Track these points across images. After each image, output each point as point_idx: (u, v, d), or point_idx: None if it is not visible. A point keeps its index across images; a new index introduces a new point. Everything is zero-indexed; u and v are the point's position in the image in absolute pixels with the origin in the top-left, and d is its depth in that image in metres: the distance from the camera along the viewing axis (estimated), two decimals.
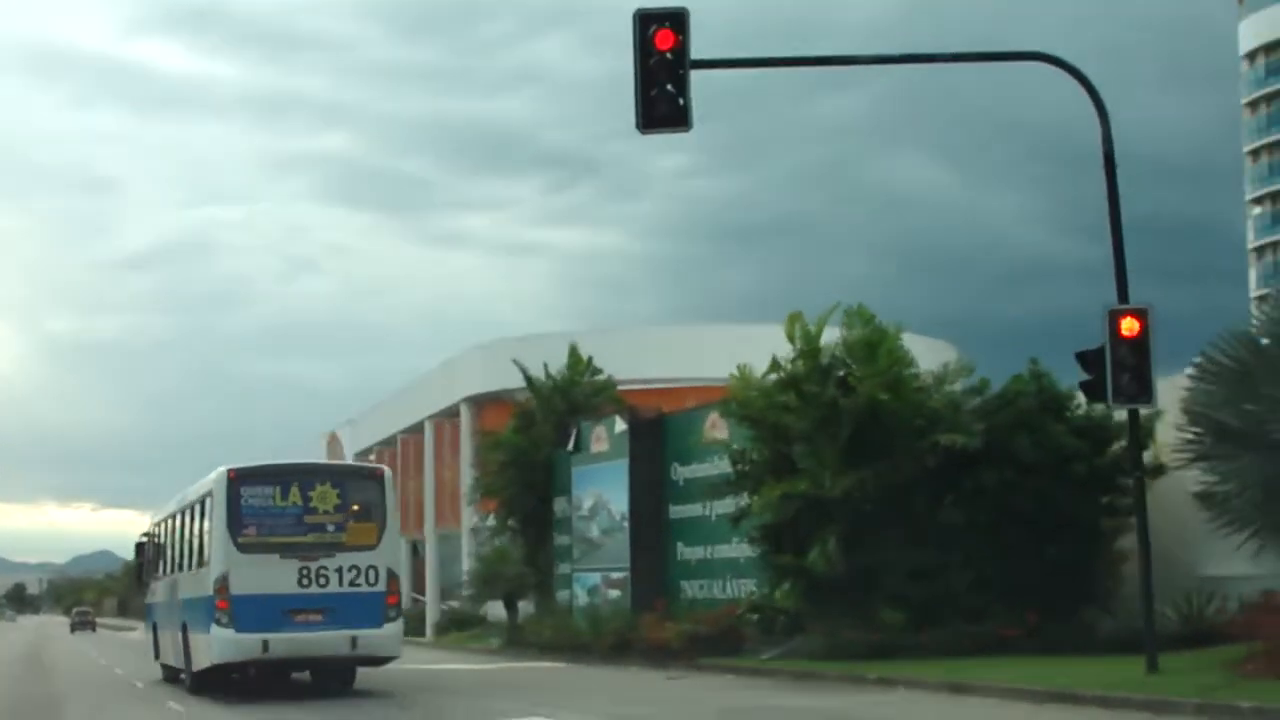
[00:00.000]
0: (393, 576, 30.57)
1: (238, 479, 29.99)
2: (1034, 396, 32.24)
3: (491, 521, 53.63)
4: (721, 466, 37.04)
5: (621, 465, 41.73)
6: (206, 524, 30.59)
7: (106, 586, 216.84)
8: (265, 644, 28.74)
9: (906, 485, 31.84)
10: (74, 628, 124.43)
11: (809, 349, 33.16)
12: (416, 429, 74.87)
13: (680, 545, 40.18)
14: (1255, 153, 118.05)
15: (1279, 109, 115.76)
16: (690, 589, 39.39)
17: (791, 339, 33.64)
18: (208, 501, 30.47)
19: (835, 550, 31.12)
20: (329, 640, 29.27)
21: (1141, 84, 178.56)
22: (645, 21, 22.47)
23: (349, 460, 77.29)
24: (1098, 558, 32.07)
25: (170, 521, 36.04)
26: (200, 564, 31.21)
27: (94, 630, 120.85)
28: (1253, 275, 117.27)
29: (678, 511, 40.42)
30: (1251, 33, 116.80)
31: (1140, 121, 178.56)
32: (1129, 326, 23.76)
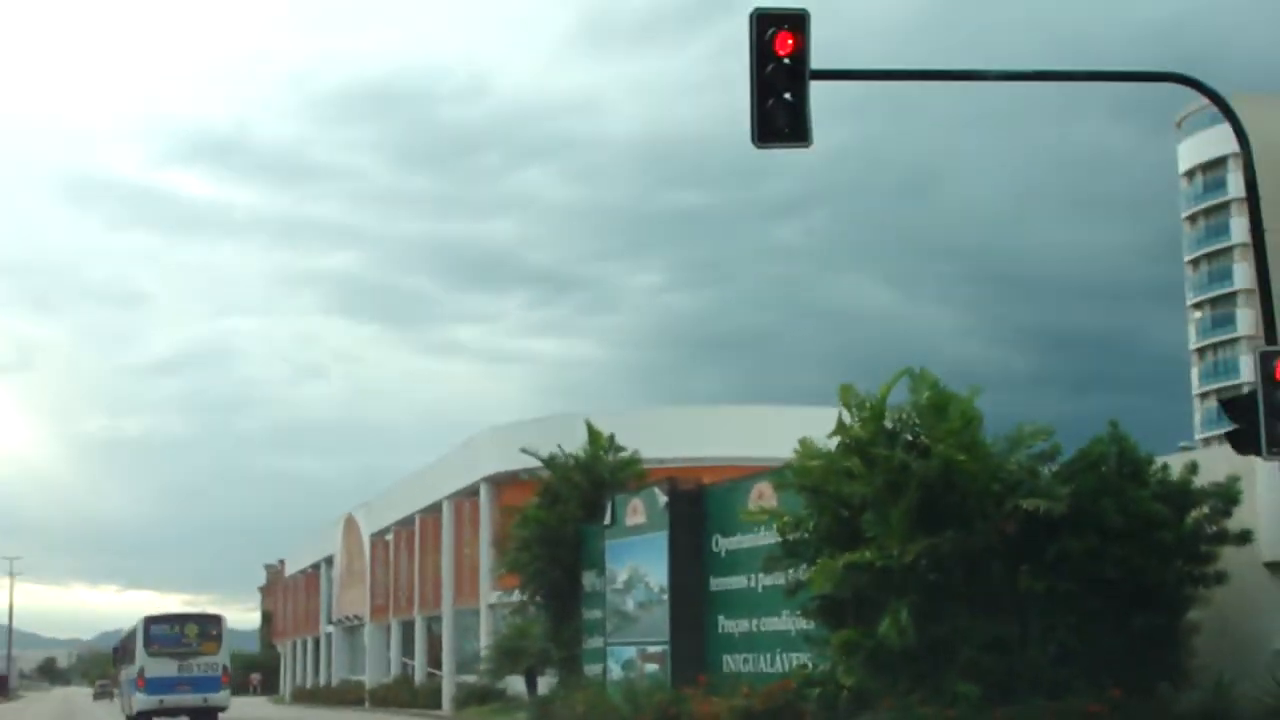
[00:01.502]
0: (225, 669, 54.65)
1: (149, 621, 54.98)
2: (1114, 460, 27.79)
3: (515, 596, 49.17)
4: (767, 538, 32.59)
5: (660, 538, 37.11)
6: (136, 642, 54.98)
7: None
8: (161, 701, 52.73)
9: (982, 553, 27.23)
10: (96, 696, 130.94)
11: (873, 413, 28.49)
12: (434, 509, 70.08)
13: (722, 618, 35.34)
14: (1195, 262, 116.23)
15: (1218, 222, 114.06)
16: (733, 663, 34.60)
17: (847, 406, 28.98)
18: (137, 631, 55.65)
19: (908, 621, 26.45)
20: (192, 699, 52.99)
21: (1052, 215, 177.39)
22: (763, 23, 18.05)
23: (365, 540, 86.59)
24: (1178, 630, 27.58)
25: (125, 640, 63.78)
26: (133, 661, 55.82)
27: (112, 699, 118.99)
28: (1194, 374, 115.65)
29: (719, 584, 35.65)
30: (1189, 154, 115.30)
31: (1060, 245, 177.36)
32: None
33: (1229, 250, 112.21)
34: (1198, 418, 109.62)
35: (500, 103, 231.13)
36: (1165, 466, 28.41)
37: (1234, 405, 19.67)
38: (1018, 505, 26.88)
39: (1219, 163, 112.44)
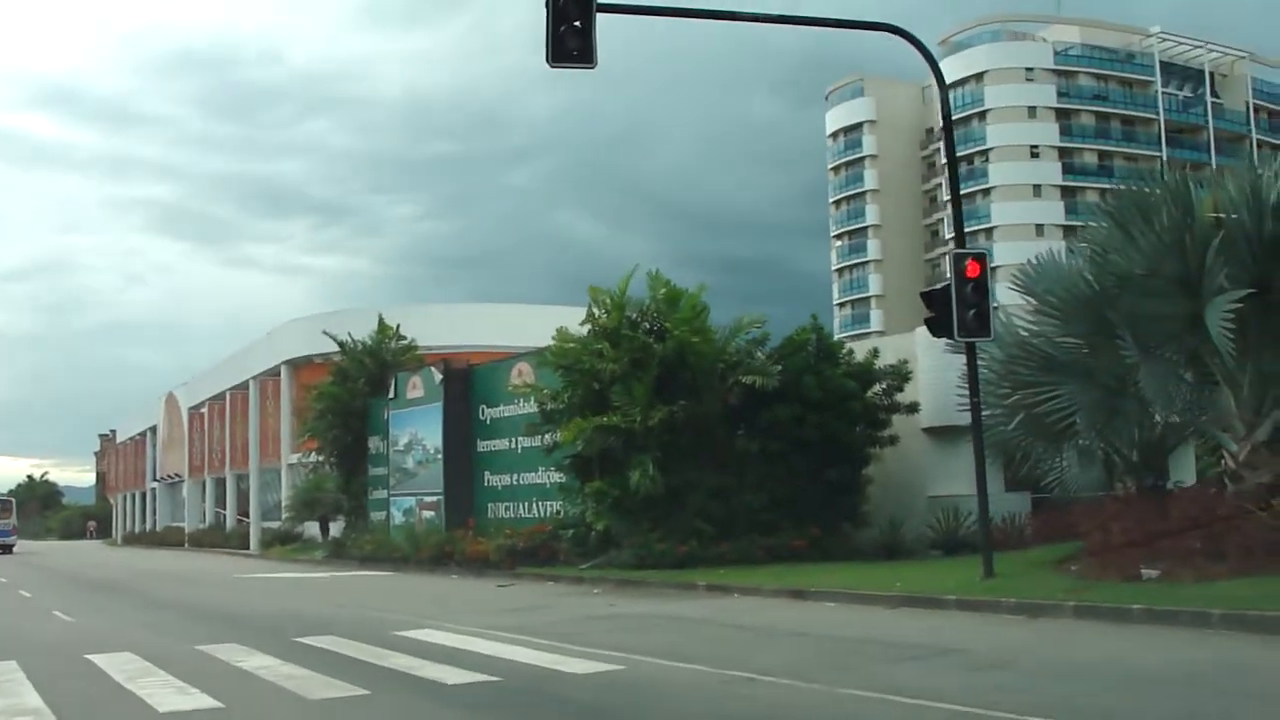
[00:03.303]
0: (14, 528, 70.73)
1: None
2: (815, 345, 26.84)
3: (313, 458, 46.76)
4: (526, 409, 31.17)
5: (435, 408, 35.19)
6: None
7: None
8: None
9: (708, 419, 26.07)
10: None
11: (616, 304, 26.98)
12: (243, 387, 66.61)
13: (487, 474, 33.64)
14: (837, 203, 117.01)
15: (854, 174, 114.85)
16: (497, 510, 32.91)
17: (596, 301, 27.44)
18: None
19: (655, 473, 25.12)
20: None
21: (728, 167, 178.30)
22: None
23: (184, 412, 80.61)
24: (859, 481, 26.87)
25: None
26: None
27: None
28: (835, 288, 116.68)
29: (485, 445, 33.90)
30: (833, 119, 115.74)
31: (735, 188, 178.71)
32: (972, 268, 18.01)
33: (863, 194, 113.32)
34: (837, 322, 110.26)
35: (292, 67, 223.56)
36: (851, 351, 27.68)
37: (931, 297, 18.42)
38: (739, 380, 25.87)
39: (857, 127, 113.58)
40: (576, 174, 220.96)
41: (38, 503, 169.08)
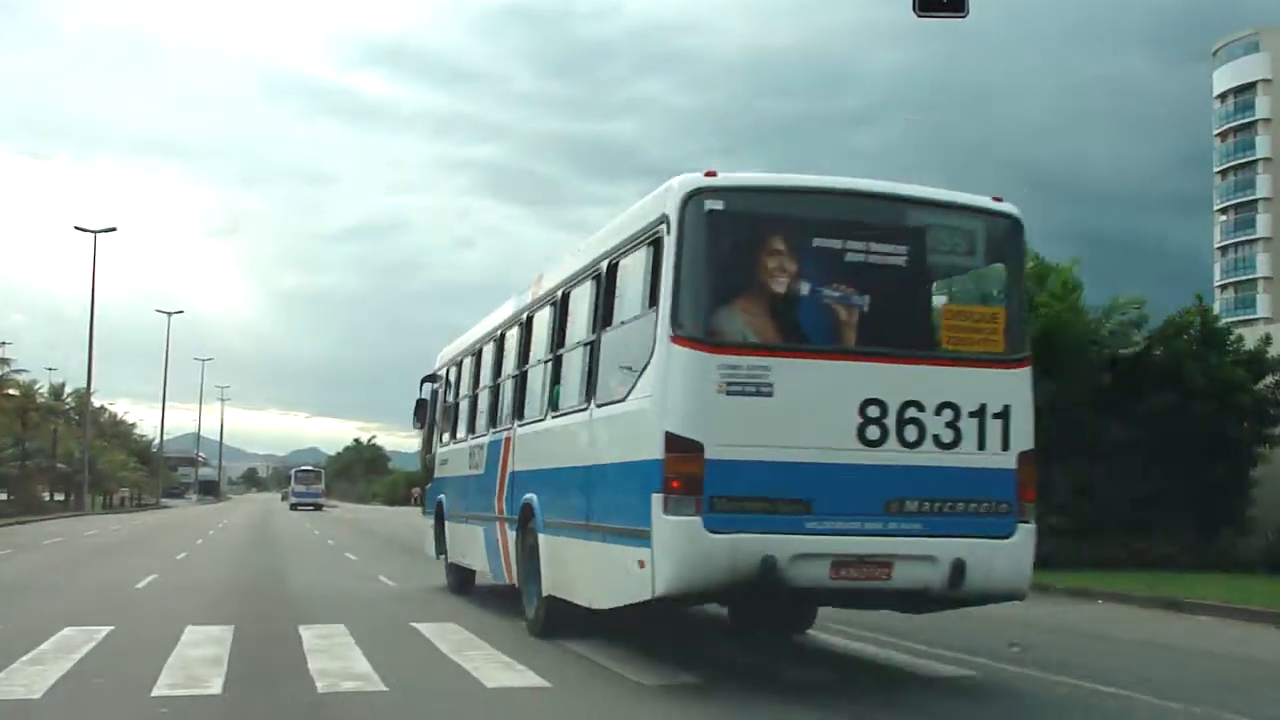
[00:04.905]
0: (323, 491, 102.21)
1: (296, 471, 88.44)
2: (1198, 329, 25.73)
3: None
4: None
5: None
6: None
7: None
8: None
9: (1076, 405, 25.04)
10: (293, 506, 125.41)
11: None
12: None
13: None
14: (1222, 173, 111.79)
15: (1243, 140, 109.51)
16: None
17: None
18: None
19: None
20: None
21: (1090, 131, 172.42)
22: None
23: None
24: (1243, 482, 25.53)
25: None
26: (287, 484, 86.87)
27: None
28: (1216, 269, 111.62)
29: None
30: (1221, 79, 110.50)
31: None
32: None
33: (1253, 163, 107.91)
34: (1217, 306, 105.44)
35: (628, 21, 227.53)
36: (1241, 337, 26.43)
37: None
38: (1115, 356, 24.98)
39: (1249, 88, 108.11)
40: (922, 136, 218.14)
41: (363, 466, 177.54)
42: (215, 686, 10.14)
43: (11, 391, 69.76)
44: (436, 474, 20.55)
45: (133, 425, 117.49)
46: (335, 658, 11.64)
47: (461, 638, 13.22)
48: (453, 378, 19.91)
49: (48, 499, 73.72)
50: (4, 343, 75.05)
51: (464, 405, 18.71)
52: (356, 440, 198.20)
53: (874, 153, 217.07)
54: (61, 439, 76.06)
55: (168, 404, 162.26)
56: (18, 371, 73.49)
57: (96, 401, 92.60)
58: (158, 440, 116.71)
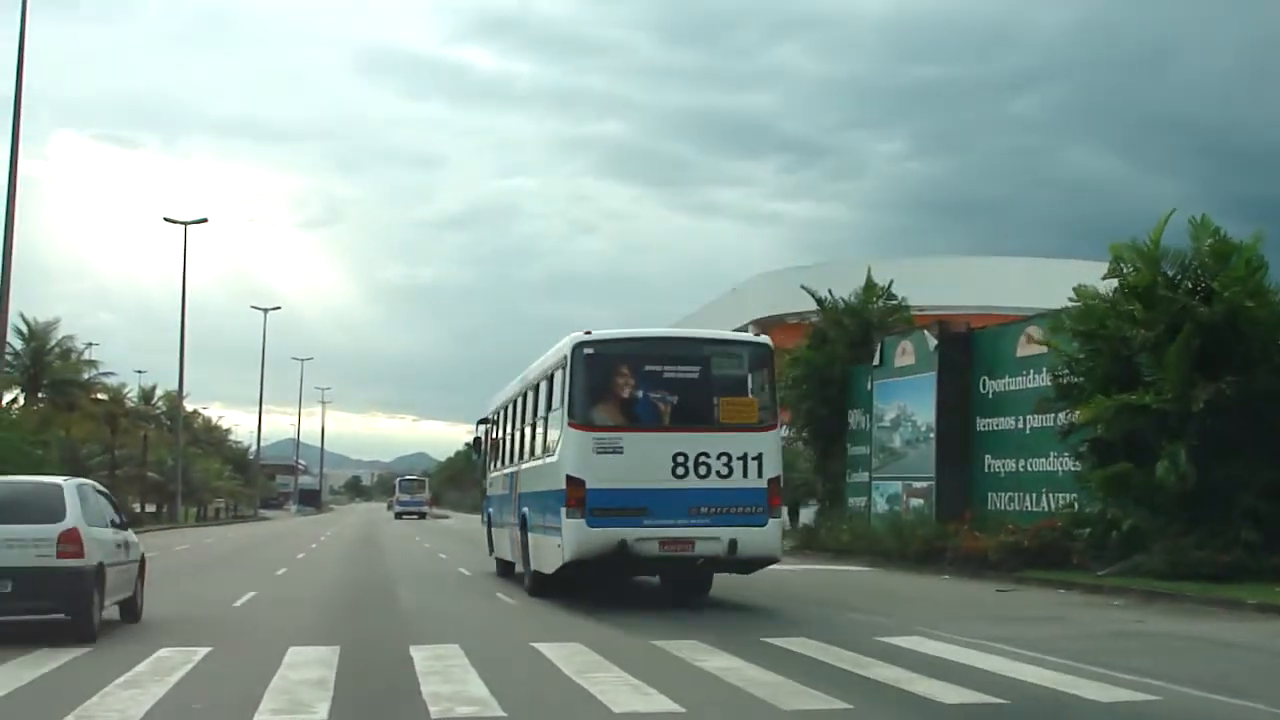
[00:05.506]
0: (429, 499, 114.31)
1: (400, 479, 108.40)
2: None
3: (785, 432, 47.33)
4: (1035, 381, 30.39)
5: (928, 378, 34.79)
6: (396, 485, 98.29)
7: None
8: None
9: (1266, 399, 24.58)
10: (398, 515, 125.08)
11: (1148, 258, 25.92)
12: None
13: (988, 457, 32.99)
14: None
15: None
16: (998, 501, 32.28)
17: (1119, 259, 26.47)
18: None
19: (1186, 464, 24.09)
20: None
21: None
22: None
23: None
24: None
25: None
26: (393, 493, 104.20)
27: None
28: None
29: (986, 424, 33.23)
30: None
31: None
32: None
33: None
34: None
35: None
36: None
37: None
38: None
39: None
40: (1090, 101, 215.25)
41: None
42: (321, 712, 10.36)
43: (100, 395, 71.34)
44: (488, 493, 31.62)
45: (227, 431, 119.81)
46: (449, 681, 11.81)
47: (587, 659, 13.34)
48: (493, 422, 30.43)
49: (139, 510, 75.16)
50: (91, 344, 76.77)
51: (499, 446, 28.89)
52: (468, 445, 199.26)
53: (1036, 121, 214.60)
54: (152, 446, 77.44)
55: (264, 407, 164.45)
56: (106, 374, 75.26)
57: (189, 405, 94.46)
58: (255, 447, 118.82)
